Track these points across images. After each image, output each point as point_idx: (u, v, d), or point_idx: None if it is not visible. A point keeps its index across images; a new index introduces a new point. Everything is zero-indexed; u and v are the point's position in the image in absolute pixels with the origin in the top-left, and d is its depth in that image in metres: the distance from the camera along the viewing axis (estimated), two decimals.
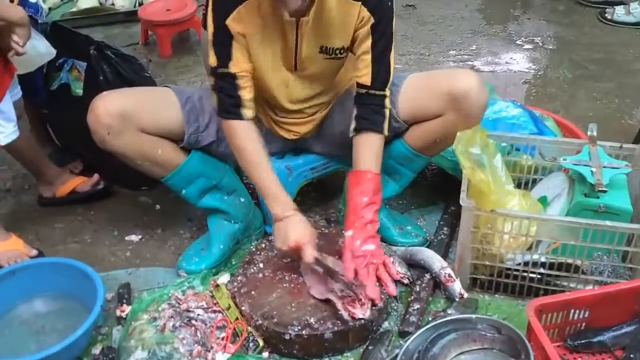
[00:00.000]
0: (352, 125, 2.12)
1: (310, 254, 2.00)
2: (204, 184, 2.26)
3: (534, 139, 2.39)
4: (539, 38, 4.14)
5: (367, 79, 2.07)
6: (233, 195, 2.33)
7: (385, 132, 2.11)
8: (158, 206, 2.67)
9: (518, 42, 4.11)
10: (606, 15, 4.31)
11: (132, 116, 2.07)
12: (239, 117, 2.05)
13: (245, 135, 2.07)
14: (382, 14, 2.02)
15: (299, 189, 2.42)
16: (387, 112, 2.11)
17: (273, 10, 1.96)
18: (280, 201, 2.06)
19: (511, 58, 3.90)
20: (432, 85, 2.14)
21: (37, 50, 2.33)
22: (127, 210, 2.66)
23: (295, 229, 2.02)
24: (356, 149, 2.12)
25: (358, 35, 2.05)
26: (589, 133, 2.29)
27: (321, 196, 2.57)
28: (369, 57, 2.05)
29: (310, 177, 2.43)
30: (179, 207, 2.54)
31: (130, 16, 4.31)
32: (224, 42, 2.00)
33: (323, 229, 2.33)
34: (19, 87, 2.39)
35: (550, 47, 4.05)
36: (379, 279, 2.07)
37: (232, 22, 1.96)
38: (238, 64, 2.01)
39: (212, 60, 2.02)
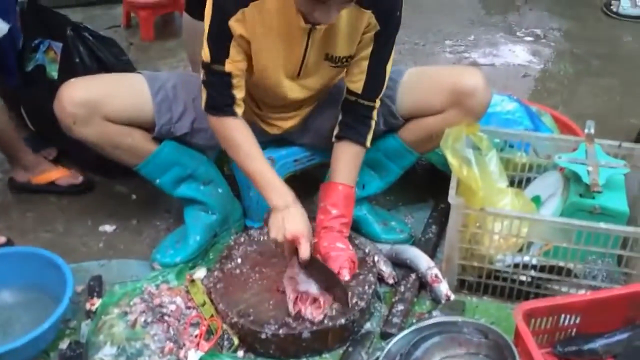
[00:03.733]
0: (336, 131, 2.10)
1: (306, 249, 1.91)
2: (178, 172, 2.21)
3: (529, 135, 2.33)
4: (541, 30, 4.08)
5: (358, 87, 2.03)
6: (210, 186, 2.27)
7: (368, 143, 2.09)
8: (134, 196, 2.60)
9: (518, 33, 4.05)
10: (611, 7, 4.24)
11: (99, 105, 2.03)
12: (231, 114, 1.99)
13: (237, 130, 2.00)
14: (388, 24, 1.96)
15: None
16: (372, 123, 2.08)
17: (281, 16, 1.87)
18: (279, 191, 1.98)
19: (510, 50, 3.83)
20: (436, 81, 2.12)
21: None
22: (101, 200, 2.59)
23: (294, 221, 1.94)
24: (334, 157, 2.10)
25: (361, 41, 1.99)
26: (586, 130, 2.24)
27: (304, 190, 2.48)
28: (365, 63, 2.01)
29: (294, 169, 2.36)
30: (156, 198, 2.47)
31: None
32: (222, 39, 1.91)
33: None
34: None
35: (552, 39, 3.98)
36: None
37: (234, 23, 1.87)
38: (234, 63, 1.93)
39: (206, 55, 1.93)
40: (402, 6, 1.96)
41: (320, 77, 2.08)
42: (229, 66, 1.92)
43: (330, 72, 2.07)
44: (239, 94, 1.97)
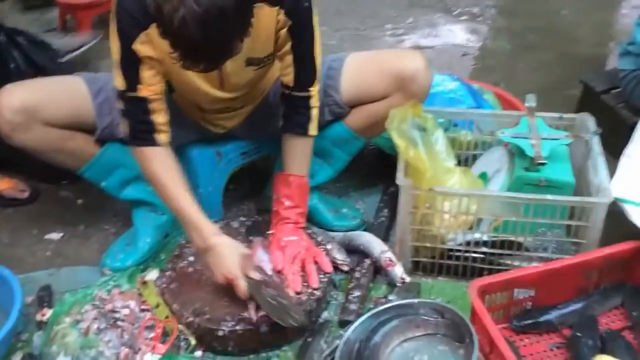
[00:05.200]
0: (280, 123, 2.08)
1: (243, 289, 1.85)
2: (124, 174, 2.17)
3: (472, 113, 2.35)
4: (477, 8, 4.06)
5: (289, 79, 2.01)
6: None
7: (312, 132, 2.07)
8: (80, 201, 2.53)
9: (455, 13, 4.03)
10: None
11: (37, 110, 1.98)
12: (153, 143, 1.93)
13: (160, 162, 1.94)
14: (299, 16, 1.92)
15: (229, 175, 2.34)
16: (313, 111, 2.05)
17: None
18: (199, 230, 1.92)
19: (449, 30, 3.83)
20: (378, 66, 2.11)
21: None
22: (47, 207, 2.52)
23: (220, 264, 1.89)
24: (283, 149, 2.10)
25: (279, 38, 1.96)
26: (526, 104, 2.26)
27: (254, 183, 2.49)
28: (290, 57, 1.98)
29: (241, 162, 2.34)
30: (103, 201, 2.40)
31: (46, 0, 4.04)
32: (131, 65, 1.85)
33: (257, 217, 2.28)
34: None
35: (489, 17, 3.98)
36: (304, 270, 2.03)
37: (140, 46, 1.81)
38: (148, 87, 1.87)
39: (119, 83, 1.87)
40: None
41: (245, 81, 2.05)
42: (143, 91, 1.88)
43: (256, 74, 2.05)
44: (160, 118, 1.92)
